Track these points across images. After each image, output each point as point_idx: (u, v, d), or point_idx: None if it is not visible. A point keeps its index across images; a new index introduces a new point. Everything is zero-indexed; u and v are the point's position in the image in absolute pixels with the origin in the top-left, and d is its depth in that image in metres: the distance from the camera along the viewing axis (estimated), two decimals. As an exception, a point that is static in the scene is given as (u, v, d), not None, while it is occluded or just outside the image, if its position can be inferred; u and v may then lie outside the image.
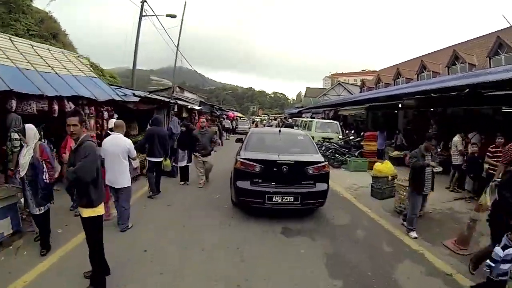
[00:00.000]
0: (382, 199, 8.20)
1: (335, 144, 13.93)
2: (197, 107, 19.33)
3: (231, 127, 28.04)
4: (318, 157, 6.53)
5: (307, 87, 46.86)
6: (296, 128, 19.43)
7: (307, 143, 7.27)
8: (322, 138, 16.30)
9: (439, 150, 13.32)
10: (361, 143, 14.09)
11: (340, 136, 16.75)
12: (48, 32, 14.22)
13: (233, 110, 50.29)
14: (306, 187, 6.01)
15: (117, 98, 9.12)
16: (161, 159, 7.87)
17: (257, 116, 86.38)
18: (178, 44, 17.13)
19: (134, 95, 10.05)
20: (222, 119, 31.84)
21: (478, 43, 22.55)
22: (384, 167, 8.44)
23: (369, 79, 41.76)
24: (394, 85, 28.38)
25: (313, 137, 15.56)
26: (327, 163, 6.44)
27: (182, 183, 9.12)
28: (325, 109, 24.88)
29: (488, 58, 19.64)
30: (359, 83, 47.16)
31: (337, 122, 17.60)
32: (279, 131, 7.59)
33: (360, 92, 37.73)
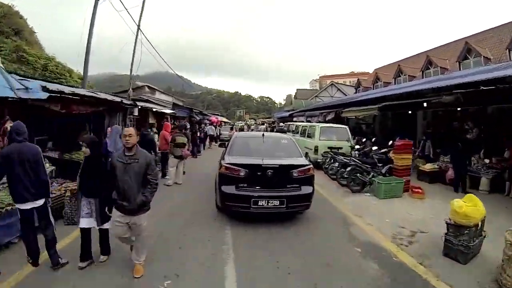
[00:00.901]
0: (467, 262, 4.66)
1: (354, 159, 10.04)
2: (168, 111, 15.41)
3: (215, 134, 24.26)
4: (302, 160, 6.53)
5: (297, 89, 43.59)
6: (292, 136, 15.95)
7: (291, 147, 7.29)
8: (329, 148, 12.64)
9: (487, 161, 9.86)
10: (390, 155, 10.46)
11: (352, 145, 13.01)
12: (10, 27, 13.34)
13: (217, 114, 46.26)
14: (292, 191, 6.00)
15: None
16: (38, 202, 4.09)
17: (243, 120, 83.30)
18: (138, 26, 13.18)
19: (46, 89, 6.10)
20: (204, 124, 28.06)
21: (490, 36, 20.63)
22: (473, 208, 4.71)
23: (365, 79, 38.66)
24: (395, 83, 26.02)
25: (316, 147, 11.95)
26: (311, 166, 6.39)
27: (82, 264, 4.24)
28: (323, 111, 21.31)
29: (507, 50, 17.56)
30: (348, 84, 44.26)
31: (346, 127, 13.88)
32: (263, 135, 7.48)
33: (356, 93, 34.70)
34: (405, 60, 30.18)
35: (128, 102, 10.86)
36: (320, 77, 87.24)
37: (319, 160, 12.53)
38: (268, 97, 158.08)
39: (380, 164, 9.84)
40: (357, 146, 12.92)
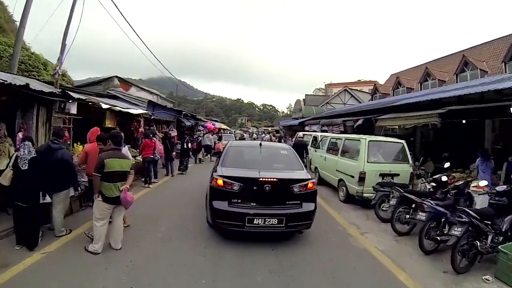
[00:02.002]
0: None
1: (470, 212, 4.89)
2: (138, 111, 10.91)
3: (212, 144, 18.41)
4: (304, 174, 5.89)
5: (306, 95, 39.06)
6: (313, 151, 11.49)
7: (290, 158, 6.62)
8: (382, 175, 8.15)
9: None
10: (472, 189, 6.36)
11: (417, 171, 8.50)
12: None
13: (215, 120, 41.51)
14: (292, 208, 5.43)
15: None
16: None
17: (246, 128, 79.40)
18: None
19: None
20: (199, 131, 23.55)
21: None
22: None
23: (382, 84, 34.43)
24: (421, 88, 23.54)
25: (363, 175, 7.85)
26: (314, 180, 5.82)
27: None
28: (346, 119, 16.80)
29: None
30: (363, 91, 39.77)
31: (404, 142, 9.14)
32: (260, 144, 6.88)
33: (372, 99, 30.52)
34: (432, 63, 26.60)
35: (48, 90, 6.31)
36: (326, 85, 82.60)
37: (367, 196, 8.04)
38: (271, 105, 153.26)
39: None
40: (412, 170, 8.52)
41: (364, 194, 8.01)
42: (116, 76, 13.48)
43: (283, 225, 5.24)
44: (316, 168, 11.70)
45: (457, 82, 19.80)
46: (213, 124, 26.42)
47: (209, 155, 18.36)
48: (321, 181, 11.06)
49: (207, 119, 33.81)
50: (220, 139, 17.57)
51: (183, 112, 18.80)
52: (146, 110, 12.37)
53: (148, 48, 17.82)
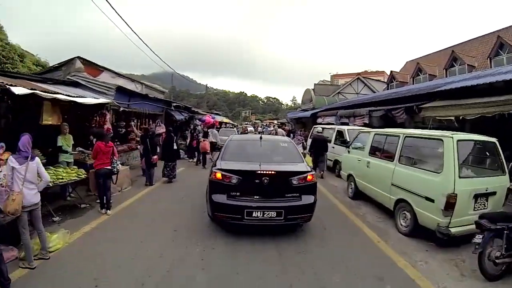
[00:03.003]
0: None
1: None
2: (92, 101, 7.72)
3: (218, 141, 15.50)
4: (304, 166, 5.82)
5: (315, 84, 35.61)
6: (347, 153, 9.22)
7: (291, 151, 6.55)
8: (476, 196, 5.10)
9: None
10: None
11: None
12: None
13: (216, 113, 37.97)
14: (291, 201, 5.42)
15: None
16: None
17: (248, 121, 76.77)
18: None
19: None
20: (196, 125, 20.29)
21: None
22: None
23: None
24: (447, 75, 21.08)
25: (454, 197, 4.80)
26: (313, 172, 5.74)
27: None
28: (373, 108, 13.55)
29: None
30: (376, 79, 36.34)
31: (495, 141, 5.78)
32: (260, 137, 6.92)
33: (388, 88, 27.40)
34: (458, 47, 23.41)
35: None
36: (332, 76, 78.99)
37: (457, 232, 4.97)
38: (275, 98, 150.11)
39: None
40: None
41: (453, 230, 4.80)
42: (79, 57, 10.24)
43: (282, 217, 5.23)
44: (350, 175, 8.51)
45: (491, 67, 17.50)
46: (213, 118, 23.06)
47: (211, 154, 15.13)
48: (360, 195, 8.04)
49: (207, 112, 30.44)
50: (206, 135, 13.63)
51: (174, 104, 15.49)
52: (114, 100, 9.14)
53: (145, 43, 17.15)
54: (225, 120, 37.65)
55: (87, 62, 10.86)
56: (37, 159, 4.33)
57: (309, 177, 5.51)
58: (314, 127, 14.01)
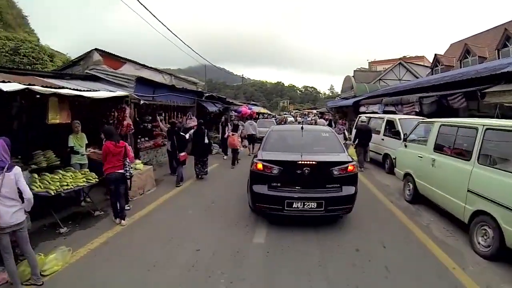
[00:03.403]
0: None
1: None
2: (106, 94, 6.90)
3: (256, 133, 14.79)
4: (345, 157, 5.79)
5: (354, 71, 33.37)
6: (404, 147, 7.87)
7: (332, 141, 6.47)
8: None
9: None
10: None
11: None
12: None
13: (253, 104, 36.76)
14: (331, 191, 5.35)
15: None
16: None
17: (287, 111, 75.83)
18: None
19: None
20: (230, 116, 19.37)
21: None
22: None
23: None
24: (499, 56, 18.76)
25: None
26: (354, 162, 5.68)
27: None
28: (425, 94, 11.82)
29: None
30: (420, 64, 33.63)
31: None
32: (302, 128, 6.58)
33: (432, 74, 25.40)
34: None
35: None
36: (370, 62, 75.53)
37: None
38: (312, 87, 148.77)
39: None
40: None
41: None
42: (97, 50, 9.46)
43: (323, 208, 5.17)
44: (408, 174, 7.13)
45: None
46: (250, 109, 21.93)
47: (252, 147, 14.27)
48: (420, 198, 6.73)
49: (244, 102, 29.39)
50: (235, 129, 12.11)
51: (206, 94, 14.61)
52: (134, 92, 8.28)
53: (177, 35, 17.09)
54: (263, 110, 36.43)
55: (107, 54, 10.08)
56: (16, 169, 3.44)
57: (350, 168, 5.43)
58: (359, 117, 12.53)
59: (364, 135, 10.73)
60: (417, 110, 12.40)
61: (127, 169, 5.61)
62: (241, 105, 22.25)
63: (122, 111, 7.78)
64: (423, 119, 9.71)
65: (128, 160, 5.68)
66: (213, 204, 6.84)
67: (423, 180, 6.42)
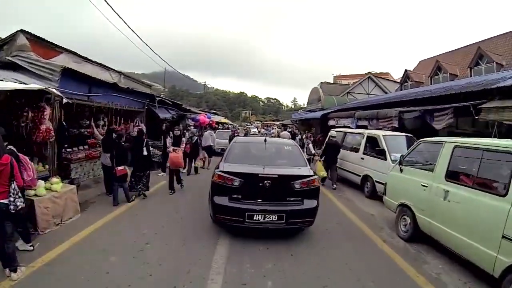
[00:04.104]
0: None
1: None
2: (28, 87, 5.04)
3: (214, 144, 13.61)
4: (307, 170, 5.75)
5: (321, 83, 32.92)
6: (399, 172, 6.34)
7: (295, 154, 6.40)
8: None
9: None
10: None
11: None
12: None
13: (214, 113, 34.81)
14: (293, 205, 5.31)
15: None
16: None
17: (249, 122, 75.21)
18: None
19: None
20: (189, 126, 17.59)
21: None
22: None
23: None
24: (471, 74, 18.92)
25: None
26: (316, 177, 5.68)
27: None
28: (405, 109, 10.81)
29: None
30: (389, 79, 33.76)
31: None
32: (265, 140, 6.70)
33: (401, 89, 25.18)
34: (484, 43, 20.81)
35: None
36: (335, 77, 76.52)
37: None
38: (275, 99, 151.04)
39: None
40: None
41: None
42: (23, 31, 7.45)
43: (283, 221, 5.14)
44: (405, 206, 5.78)
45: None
46: (209, 117, 20.15)
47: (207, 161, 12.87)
48: (421, 236, 5.41)
49: (204, 111, 27.41)
50: (177, 142, 9.40)
51: (157, 98, 12.42)
52: (59, 88, 6.33)
53: (143, 40, 16.66)
54: (223, 120, 34.46)
55: (37, 39, 8.03)
56: None
57: (311, 181, 5.44)
58: (331, 131, 11.33)
59: (332, 150, 9.97)
60: (396, 125, 11.41)
61: (13, 198, 3.74)
62: (200, 113, 20.36)
63: (40, 111, 5.87)
64: (409, 136, 8.58)
65: (14, 184, 3.80)
66: (149, 245, 4.94)
67: (428, 216, 5.01)
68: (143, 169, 7.67)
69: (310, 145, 11.82)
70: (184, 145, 10.03)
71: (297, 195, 5.32)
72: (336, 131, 11.39)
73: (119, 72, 12.42)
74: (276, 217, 5.08)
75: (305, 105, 40.55)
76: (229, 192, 5.28)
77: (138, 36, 15.88)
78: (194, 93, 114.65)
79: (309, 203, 5.34)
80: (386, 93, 27.99)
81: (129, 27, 14.54)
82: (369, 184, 8.84)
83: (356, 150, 9.75)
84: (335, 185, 9.77)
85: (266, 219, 5.08)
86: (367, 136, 9.45)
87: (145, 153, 7.68)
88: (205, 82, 41.96)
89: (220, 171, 5.42)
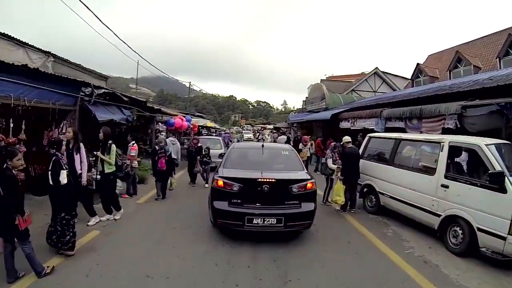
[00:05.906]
0: None
1: None
2: None
3: (177, 157, 10.69)
4: (303, 174, 5.80)
5: (321, 80, 29.28)
6: None
7: (292, 159, 6.48)
8: None
9: None
10: None
11: None
12: None
13: (199, 115, 30.49)
14: (291, 208, 5.39)
15: None
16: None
17: (240, 126, 72.68)
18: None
19: None
20: (160, 132, 13.86)
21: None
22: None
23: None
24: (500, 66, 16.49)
25: None
26: (313, 180, 5.65)
27: None
28: (468, 103, 7.16)
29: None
30: (397, 75, 30.33)
31: None
32: (262, 145, 6.71)
33: (412, 86, 22.46)
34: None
35: None
36: (327, 77, 73.69)
37: None
38: (265, 102, 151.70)
39: None
40: None
41: None
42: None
43: (282, 224, 5.20)
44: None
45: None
46: (187, 120, 15.87)
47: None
48: None
49: (183, 113, 22.71)
50: (74, 154, 5.58)
51: (101, 91, 7.77)
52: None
53: (129, 46, 16.44)
54: (209, 124, 29.51)
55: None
56: None
57: (308, 185, 5.48)
58: (370, 136, 7.46)
59: (352, 163, 7.49)
60: (451, 127, 7.66)
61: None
62: (175, 115, 15.86)
63: None
64: None
65: None
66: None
67: None
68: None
69: (330, 160, 7.84)
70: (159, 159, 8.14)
71: (295, 199, 5.39)
72: (373, 137, 7.58)
73: (47, 53, 8.30)
74: (275, 220, 5.15)
75: (301, 107, 36.80)
76: (228, 197, 5.33)
77: (122, 41, 15.21)
78: (183, 97, 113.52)
79: (307, 206, 5.40)
80: (394, 90, 24.99)
81: (116, 36, 13.96)
82: (460, 231, 4.91)
83: (426, 170, 5.76)
84: (353, 210, 7.62)
85: (265, 222, 5.13)
86: (451, 146, 5.45)
87: (63, 180, 4.39)
88: (190, 83, 37.49)
89: (220, 176, 5.50)
